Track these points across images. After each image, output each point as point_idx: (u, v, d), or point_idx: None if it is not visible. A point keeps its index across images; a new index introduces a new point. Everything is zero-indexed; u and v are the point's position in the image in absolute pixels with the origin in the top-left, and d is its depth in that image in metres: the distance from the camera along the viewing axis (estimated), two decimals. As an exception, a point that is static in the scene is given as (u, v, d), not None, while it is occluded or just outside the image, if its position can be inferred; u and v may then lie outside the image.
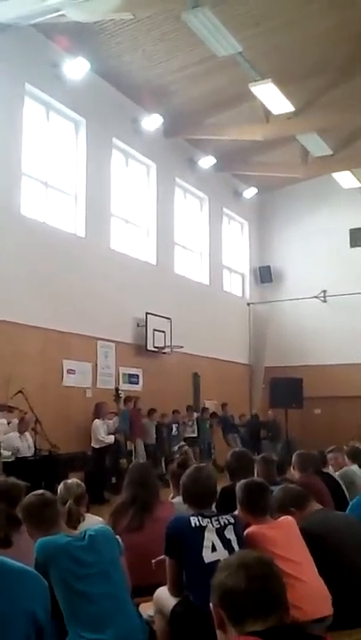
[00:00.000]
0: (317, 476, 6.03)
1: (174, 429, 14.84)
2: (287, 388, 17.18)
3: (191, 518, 3.57)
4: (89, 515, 4.14)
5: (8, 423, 10.31)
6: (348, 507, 5.13)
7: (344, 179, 18.32)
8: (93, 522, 3.94)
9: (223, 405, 17.17)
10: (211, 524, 3.54)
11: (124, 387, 13.68)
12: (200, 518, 3.56)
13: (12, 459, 9.74)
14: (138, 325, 14.80)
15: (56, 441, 10.46)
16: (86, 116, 13.92)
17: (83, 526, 3.58)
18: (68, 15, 10.84)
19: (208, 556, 3.42)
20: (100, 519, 4.29)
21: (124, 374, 14.44)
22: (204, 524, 3.53)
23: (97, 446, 11.93)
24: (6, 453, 9.72)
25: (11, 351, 11.20)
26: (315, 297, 19.87)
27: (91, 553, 3.23)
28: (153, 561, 3.83)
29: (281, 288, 20.72)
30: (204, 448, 15.49)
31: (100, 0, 10.65)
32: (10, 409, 10.10)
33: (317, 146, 16.26)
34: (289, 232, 20.81)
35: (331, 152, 16.69)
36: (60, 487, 4.11)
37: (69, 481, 4.20)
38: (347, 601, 3.56)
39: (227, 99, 15.01)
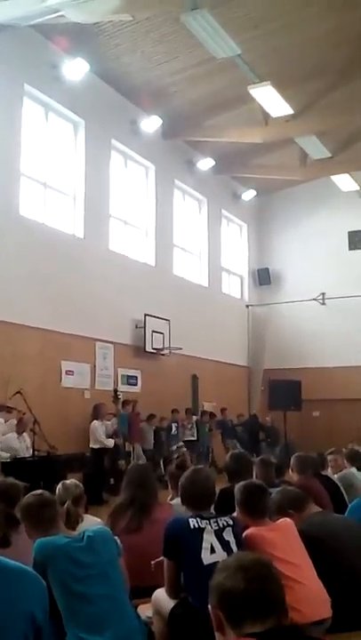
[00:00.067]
0: (316, 479, 6.03)
1: (173, 429, 14.82)
2: (286, 391, 17.17)
3: (190, 520, 3.56)
4: (87, 516, 4.14)
5: (5, 422, 10.29)
6: (347, 509, 5.13)
7: (343, 181, 18.34)
8: (92, 523, 3.94)
9: (223, 410, 17.15)
10: (209, 526, 3.54)
11: (122, 388, 13.66)
12: (199, 520, 3.56)
13: (10, 459, 9.72)
14: (136, 327, 14.79)
15: (54, 442, 10.44)
16: (85, 117, 13.93)
17: (81, 527, 3.57)
18: (67, 16, 10.85)
19: (207, 558, 3.41)
20: (99, 520, 4.29)
21: (122, 375, 14.43)
22: (202, 526, 3.53)
23: (95, 447, 11.93)
24: (4, 454, 9.70)
25: (9, 352, 11.20)
26: (313, 299, 19.88)
27: (89, 554, 3.23)
28: (152, 562, 3.82)
29: (280, 290, 20.72)
30: (202, 451, 15.47)
31: (100, 1, 10.65)
32: (8, 409, 10.09)
33: (316, 148, 16.27)
34: (288, 234, 20.82)
35: (330, 155, 16.70)
36: (59, 488, 4.11)
37: (68, 482, 4.20)
38: (346, 603, 3.55)
39: (226, 101, 15.02)
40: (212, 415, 16.43)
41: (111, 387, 13.39)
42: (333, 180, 18.32)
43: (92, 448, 11.92)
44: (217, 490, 4.08)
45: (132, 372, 14.77)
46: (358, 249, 19.72)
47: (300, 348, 19.42)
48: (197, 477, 3.82)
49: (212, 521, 3.57)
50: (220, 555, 3.37)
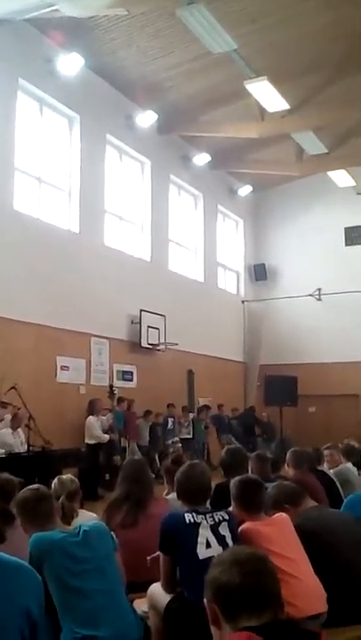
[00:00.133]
0: (312, 474, 6.03)
1: (170, 424, 14.83)
2: (282, 386, 17.18)
3: (185, 515, 3.56)
4: (82, 511, 4.14)
5: (0, 420, 10.27)
6: (343, 504, 5.13)
7: (339, 177, 18.34)
8: (87, 518, 3.94)
9: (220, 406, 17.14)
10: (205, 521, 3.54)
11: (118, 383, 13.66)
12: (194, 515, 3.56)
13: (5, 455, 9.70)
14: (132, 322, 14.78)
15: (49, 437, 10.43)
16: (80, 112, 13.88)
17: (76, 522, 3.56)
18: (62, 10, 10.80)
19: (202, 553, 3.41)
20: (94, 515, 4.28)
21: (118, 371, 14.42)
22: (198, 521, 3.53)
23: (91, 443, 11.93)
24: (-1, 450, 9.69)
25: (4, 347, 11.17)
26: (310, 295, 19.88)
27: (85, 549, 3.22)
28: (148, 558, 3.82)
29: (276, 286, 20.72)
30: (198, 448, 15.47)
31: (95, -5, 10.63)
32: (3, 405, 10.07)
33: (313, 144, 16.27)
34: (284, 230, 20.81)
35: (326, 150, 16.70)
36: (55, 483, 4.10)
37: (64, 476, 4.20)
38: (341, 598, 3.56)
39: (222, 96, 14.98)
40: (206, 407, 16.37)
41: (106, 382, 13.38)
42: (330, 176, 18.31)
43: (88, 443, 11.92)
44: (213, 485, 4.07)
45: (127, 368, 14.76)
46: (355, 245, 19.72)
47: (297, 343, 19.43)
48: (193, 472, 3.82)
49: (207, 516, 3.57)
50: (216, 549, 3.37)
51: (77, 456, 10.99)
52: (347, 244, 19.85)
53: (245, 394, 20.14)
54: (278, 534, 3.67)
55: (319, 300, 19.85)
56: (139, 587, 3.74)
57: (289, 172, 18.46)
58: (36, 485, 3.58)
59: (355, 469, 6.77)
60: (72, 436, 12.06)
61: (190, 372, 17.07)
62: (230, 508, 3.90)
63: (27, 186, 12.74)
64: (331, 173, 18.20)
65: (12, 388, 10.01)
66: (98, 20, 12.11)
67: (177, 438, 14.75)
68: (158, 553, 3.64)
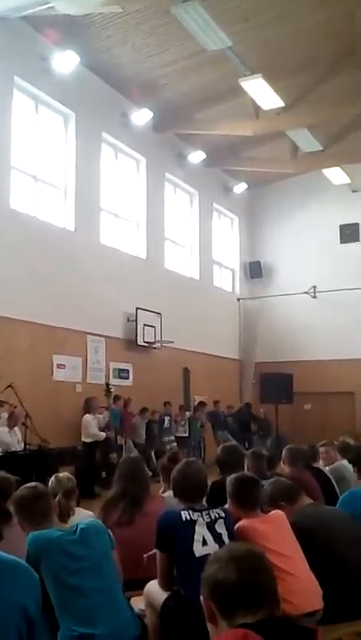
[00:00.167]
0: (307, 471, 6.05)
1: (166, 422, 14.83)
2: (277, 384, 17.18)
3: (182, 512, 3.57)
4: (79, 509, 4.14)
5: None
6: (339, 501, 5.14)
7: (334, 175, 18.35)
8: (84, 516, 3.94)
9: (215, 403, 17.15)
10: (201, 518, 3.55)
11: (114, 382, 13.65)
12: (191, 512, 3.57)
13: (2, 453, 9.70)
14: (128, 320, 14.78)
15: (46, 435, 10.44)
16: (75, 110, 13.86)
17: (73, 520, 3.57)
18: (57, 8, 10.79)
19: (199, 550, 3.42)
20: (91, 513, 4.29)
21: (114, 369, 14.42)
22: (194, 518, 3.54)
23: (87, 441, 11.94)
24: (-5, 448, 9.70)
25: (0, 346, 11.16)
26: (305, 292, 19.90)
27: (82, 546, 3.23)
28: (145, 555, 3.83)
29: (271, 283, 20.73)
30: (193, 446, 15.48)
31: (90, -7, 10.62)
32: (0, 403, 10.07)
33: (307, 141, 16.26)
34: (279, 228, 20.82)
35: (321, 148, 16.70)
36: (52, 481, 4.10)
37: (61, 475, 4.20)
38: (337, 595, 3.57)
39: (217, 93, 14.98)
40: (202, 404, 16.36)
41: (103, 380, 13.38)
42: (325, 174, 18.33)
43: (84, 442, 11.93)
44: (209, 482, 4.08)
45: (123, 366, 14.77)
46: (350, 242, 19.73)
47: (292, 341, 19.46)
48: (189, 470, 3.83)
49: (203, 513, 3.58)
50: (212, 547, 3.38)
51: (74, 454, 11.00)
52: (342, 242, 19.86)
53: (241, 391, 20.17)
54: (274, 531, 3.68)
55: (314, 297, 19.87)
56: (136, 584, 3.74)
57: (284, 169, 18.47)
58: (33, 484, 3.58)
59: (350, 466, 6.77)
60: (68, 434, 12.07)
61: (186, 370, 17.08)
62: (226, 506, 3.91)
63: (23, 184, 12.72)
64: (326, 171, 18.21)
65: (9, 386, 10.00)
66: (93, 17, 12.09)
67: (173, 437, 14.76)
68: (155, 550, 3.65)
